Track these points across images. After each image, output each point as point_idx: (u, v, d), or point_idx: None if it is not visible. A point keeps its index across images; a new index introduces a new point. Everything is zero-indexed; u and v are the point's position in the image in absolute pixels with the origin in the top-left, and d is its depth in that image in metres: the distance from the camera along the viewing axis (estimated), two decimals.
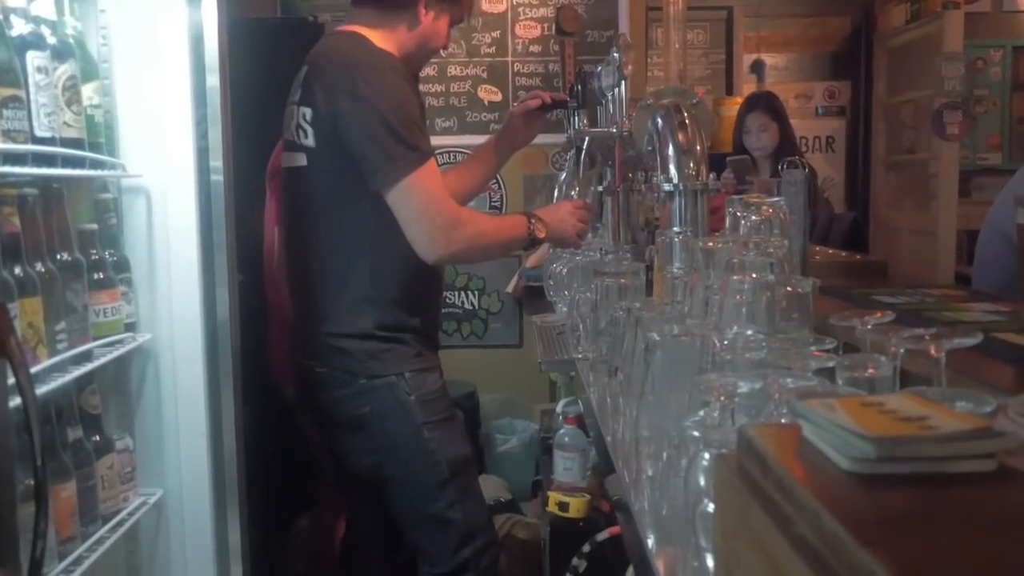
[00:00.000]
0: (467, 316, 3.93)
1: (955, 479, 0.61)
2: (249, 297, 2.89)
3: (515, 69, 3.84)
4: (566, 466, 2.21)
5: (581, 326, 1.92)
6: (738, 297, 1.25)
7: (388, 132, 1.77)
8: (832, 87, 5.27)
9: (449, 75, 3.84)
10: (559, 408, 2.43)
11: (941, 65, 4.38)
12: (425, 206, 1.80)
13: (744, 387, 0.98)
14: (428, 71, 3.81)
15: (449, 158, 3.69)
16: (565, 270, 2.31)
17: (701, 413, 0.99)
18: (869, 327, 1.00)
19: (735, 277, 1.26)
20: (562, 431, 2.26)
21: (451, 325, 3.93)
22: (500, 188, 3.86)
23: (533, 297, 3.63)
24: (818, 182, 3.53)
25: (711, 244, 1.42)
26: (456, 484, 1.97)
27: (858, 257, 2.31)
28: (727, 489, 0.81)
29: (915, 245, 4.49)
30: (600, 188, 2.44)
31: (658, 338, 1.23)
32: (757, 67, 5.22)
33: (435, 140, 3.72)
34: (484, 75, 3.84)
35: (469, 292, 3.92)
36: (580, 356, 1.85)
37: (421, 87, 3.83)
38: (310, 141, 1.84)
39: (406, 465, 1.95)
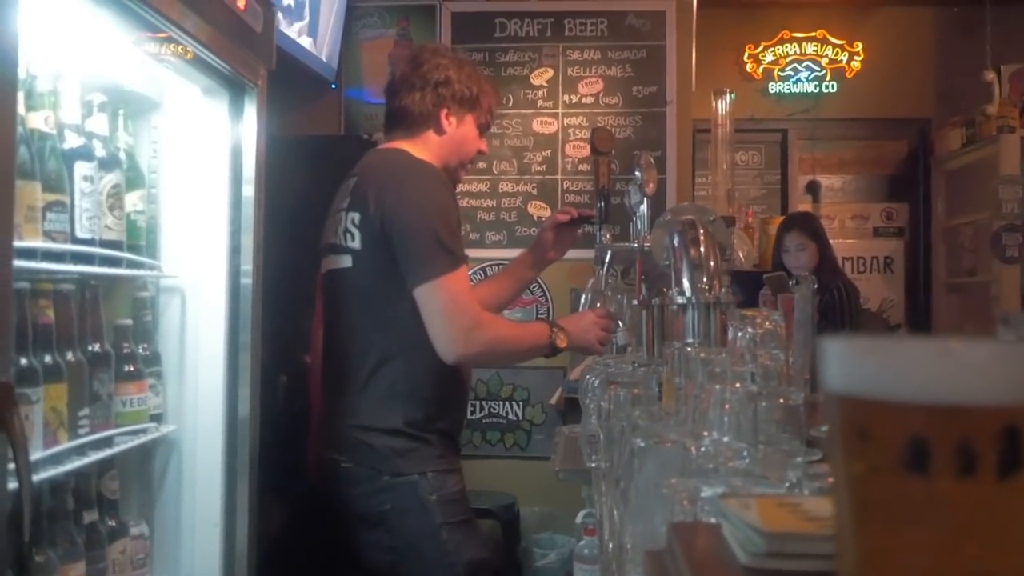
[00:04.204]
0: (510, 427, 3.94)
1: None
2: (292, 399, 2.99)
3: (564, 186, 3.97)
4: None
5: (602, 436, 1.93)
6: (724, 406, 1.27)
7: (429, 235, 1.88)
8: (889, 208, 5.25)
9: (501, 191, 3.99)
10: (579, 519, 2.41)
11: (998, 188, 4.37)
12: (449, 306, 1.88)
13: (707, 492, 1.01)
14: (480, 187, 3.98)
15: (499, 271, 3.79)
16: (597, 381, 2.33)
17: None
18: None
19: (718, 387, 1.29)
20: (581, 543, 2.23)
21: (494, 435, 3.94)
22: (547, 300, 3.93)
23: (575, 409, 3.63)
24: (859, 300, 3.51)
25: (703, 355, 1.45)
26: None
27: None
28: None
29: None
30: (635, 302, 2.48)
31: (642, 444, 1.26)
32: (812, 188, 5.26)
33: (485, 253, 3.91)
34: (534, 191, 3.98)
35: (513, 403, 3.94)
36: (593, 465, 1.86)
37: (473, 201, 4.02)
38: (356, 244, 1.95)
39: (422, 565, 1.95)
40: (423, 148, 2.04)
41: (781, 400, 1.26)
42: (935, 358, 0.38)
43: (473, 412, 3.91)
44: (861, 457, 0.40)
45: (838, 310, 3.22)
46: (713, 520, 0.94)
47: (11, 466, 0.98)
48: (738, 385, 1.27)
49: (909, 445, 0.38)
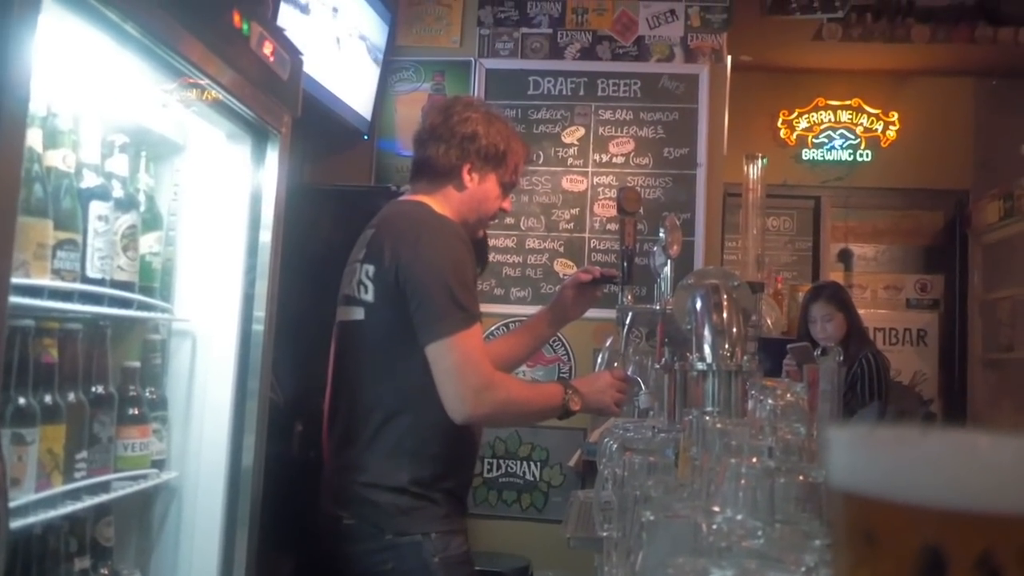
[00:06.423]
0: (527, 487, 3.86)
1: None
2: (307, 447, 2.94)
3: (591, 245, 3.94)
4: None
5: (616, 504, 1.87)
6: (740, 481, 1.22)
7: (443, 290, 1.84)
8: (924, 280, 5.16)
9: (527, 247, 3.97)
10: None
11: None
12: (460, 365, 1.84)
13: (716, 574, 0.95)
14: (507, 242, 3.96)
15: (517, 326, 3.75)
16: (615, 446, 2.27)
17: None
18: None
19: (733, 460, 1.23)
20: None
21: (511, 495, 3.85)
22: (569, 359, 3.87)
23: (595, 472, 3.55)
24: (889, 371, 3.41)
25: (720, 425, 1.39)
26: None
27: None
28: None
29: None
30: (658, 366, 2.43)
31: (652, 517, 1.20)
32: (844, 256, 5.18)
33: (509, 309, 3.87)
34: (561, 249, 3.95)
35: (531, 463, 3.86)
36: (605, 534, 1.79)
37: (499, 257, 3.99)
38: (369, 296, 1.93)
39: None
40: (443, 202, 2.02)
41: (800, 477, 1.19)
42: (956, 456, 0.33)
43: (490, 471, 3.84)
44: (867, 563, 0.35)
45: (867, 382, 3.12)
46: None
47: None
48: (755, 460, 1.21)
49: (922, 555, 0.33)
